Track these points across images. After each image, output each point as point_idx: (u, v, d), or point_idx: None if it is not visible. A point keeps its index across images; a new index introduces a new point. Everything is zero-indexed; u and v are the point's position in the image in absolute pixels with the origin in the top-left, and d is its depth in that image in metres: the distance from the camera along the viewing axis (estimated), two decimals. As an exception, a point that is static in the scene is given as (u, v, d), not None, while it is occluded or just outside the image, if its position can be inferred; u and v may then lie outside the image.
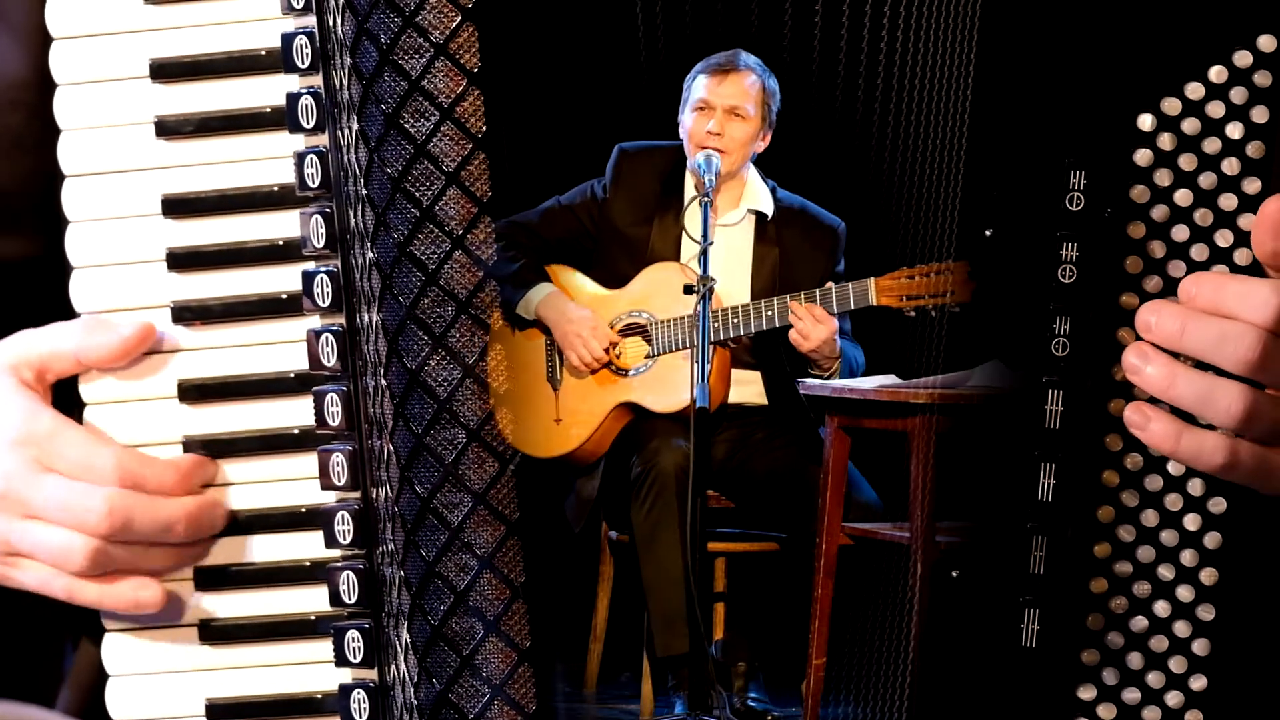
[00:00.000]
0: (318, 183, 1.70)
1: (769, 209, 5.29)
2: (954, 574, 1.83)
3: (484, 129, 1.63)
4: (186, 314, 1.75)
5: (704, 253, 4.95)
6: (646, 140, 5.43)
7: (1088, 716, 1.77)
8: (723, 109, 5.13)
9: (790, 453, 5.29)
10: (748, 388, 5.33)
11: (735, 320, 5.10)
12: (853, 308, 5.01)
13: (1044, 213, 1.75)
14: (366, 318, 1.67)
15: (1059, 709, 1.76)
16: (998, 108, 1.78)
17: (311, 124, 1.69)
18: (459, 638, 1.66)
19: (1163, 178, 1.72)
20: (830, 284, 5.04)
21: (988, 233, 1.79)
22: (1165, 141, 1.72)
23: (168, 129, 1.74)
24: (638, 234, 5.24)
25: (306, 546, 1.75)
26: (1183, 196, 1.72)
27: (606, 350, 5.31)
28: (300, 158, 1.70)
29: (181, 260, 1.75)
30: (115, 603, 1.74)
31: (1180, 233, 1.72)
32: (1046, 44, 1.74)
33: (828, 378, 5.16)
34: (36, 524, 1.71)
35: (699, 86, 5.14)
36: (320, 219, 1.70)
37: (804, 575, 5.06)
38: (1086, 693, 1.76)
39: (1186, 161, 1.72)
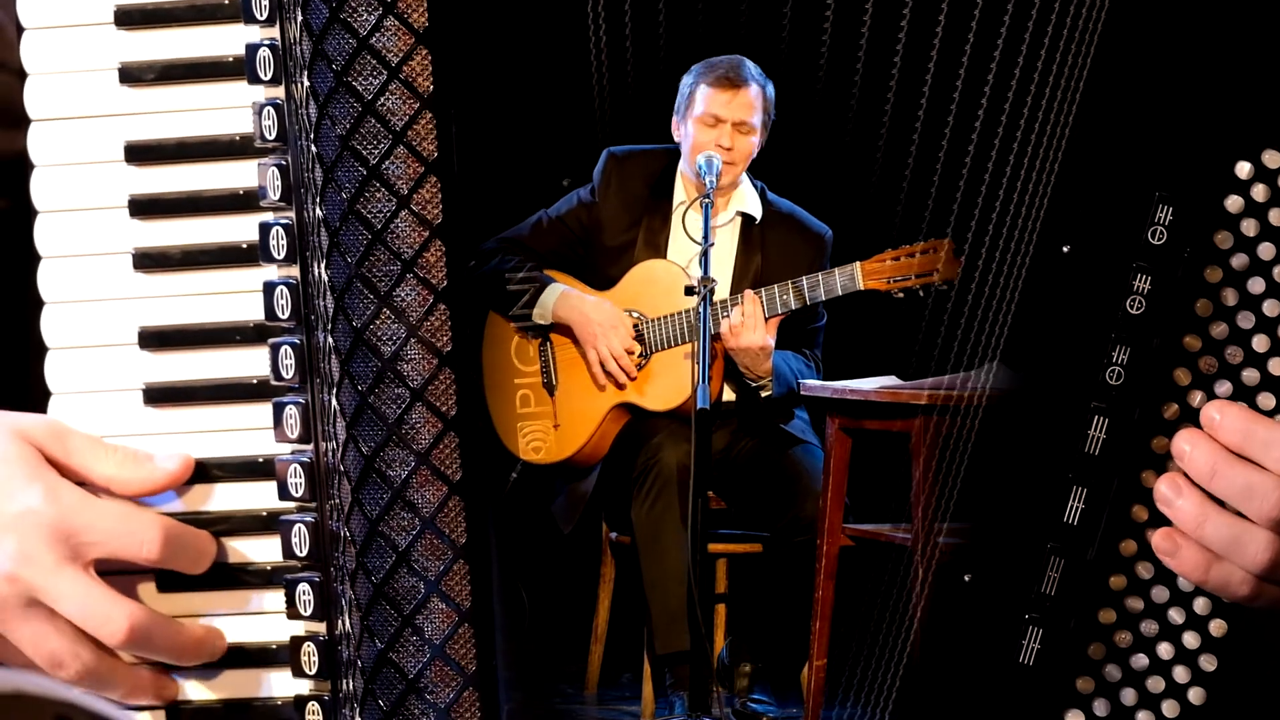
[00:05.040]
0: (274, 135, 1.70)
1: (757, 212, 5.29)
2: (966, 578, 1.82)
3: (431, 88, 1.62)
4: (147, 261, 1.75)
5: (705, 254, 4.95)
6: (600, 129, 5.41)
7: None
8: (732, 123, 5.14)
9: (767, 446, 5.29)
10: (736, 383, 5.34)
11: (725, 315, 5.09)
12: (840, 293, 5.00)
13: (1125, 240, 1.73)
14: (318, 272, 1.67)
15: None
16: (1099, 130, 1.76)
17: (269, 75, 1.69)
18: (400, 597, 1.66)
19: (1249, 228, 1.71)
20: (817, 272, 5.03)
21: (1065, 249, 1.77)
22: (1259, 192, 1.71)
23: (131, 75, 1.75)
24: (627, 238, 5.24)
25: (261, 496, 1.75)
26: (1266, 250, 1.71)
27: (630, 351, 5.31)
28: (258, 109, 1.71)
29: (143, 207, 1.76)
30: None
31: (1256, 285, 1.71)
32: (1159, 76, 1.73)
33: (756, 386, 5.16)
34: (44, 623, 1.65)
35: (706, 99, 5.13)
36: (277, 171, 1.70)
37: (795, 572, 5.06)
38: (1075, 719, 1.76)
39: (1276, 216, 1.71)
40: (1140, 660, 1.75)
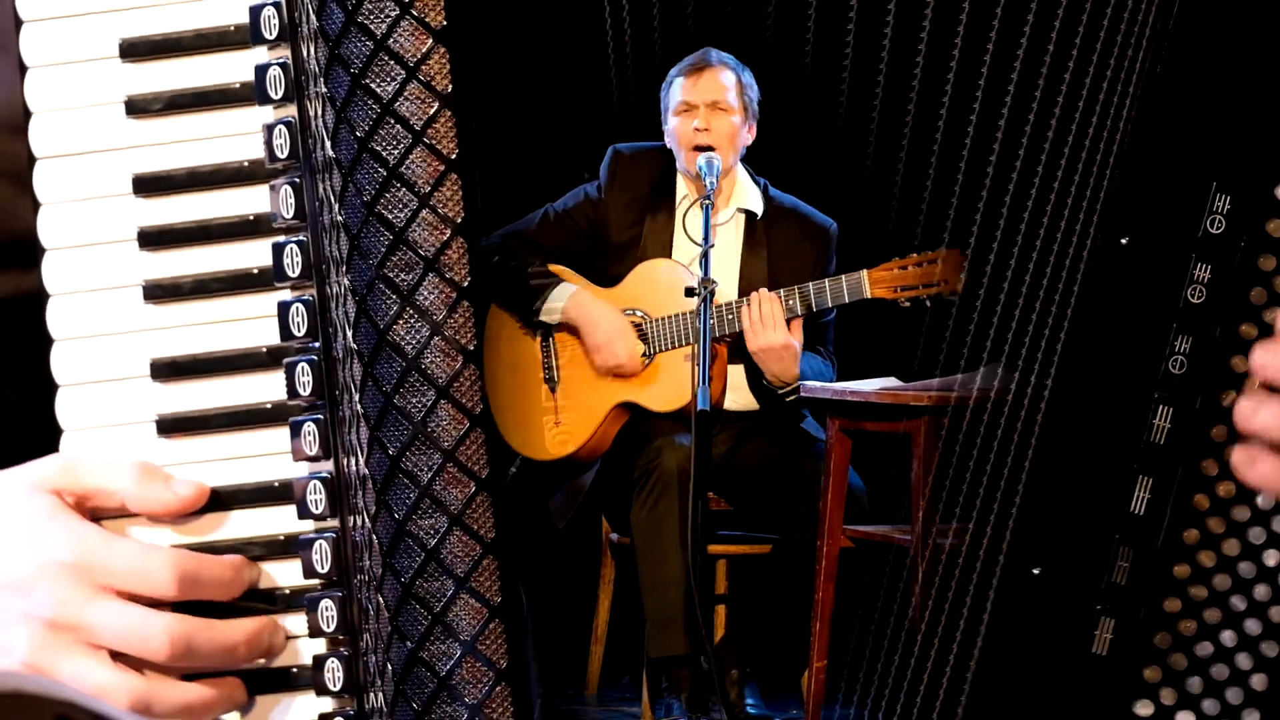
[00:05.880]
0: (286, 153, 1.71)
1: (759, 208, 5.32)
2: (1035, 571, 1.83)
3: (450, 88, 1.64)
4: (158, 292, 1.76)
5: (705, 255, 4.98)
6: (612, 126, 5.46)
7: None
8: (704, 105, 5.18)
9: (779, 447, 5.30)
10: (742, 393, 5.35)
11: (730, 317, 5.12)
12: (847, 300, 5.04)
13: (1184, 230, 1.76)
14: (335, 283, 1.68)
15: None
16: (1158, 122, 1.78)
17: (280, 95, 1.71)
18: (430, 596, 1.66)
19: None
20: (824, 279, 5.07)
21: (1124, 240, 1.79)
22: None
23: (137, 108, 1.75)
24: (631, 235, 5.27)
25: (278, 521, 1.75)
26: None
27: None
28: (269, 129, 1.72)
29: (152, 238, 1.76)
30: None
31: None
32: (1216, 67, 1.76)
33: (783, 393, 5.18)
34: (87, 659, 1.64)
35: (676, 89, 5.19)
36: (289, 189, 1.71)
37: (800, 574, 5.05)
38: (1144, 709, 1.78)
39: None
40: (1205, 648, 1.77)
